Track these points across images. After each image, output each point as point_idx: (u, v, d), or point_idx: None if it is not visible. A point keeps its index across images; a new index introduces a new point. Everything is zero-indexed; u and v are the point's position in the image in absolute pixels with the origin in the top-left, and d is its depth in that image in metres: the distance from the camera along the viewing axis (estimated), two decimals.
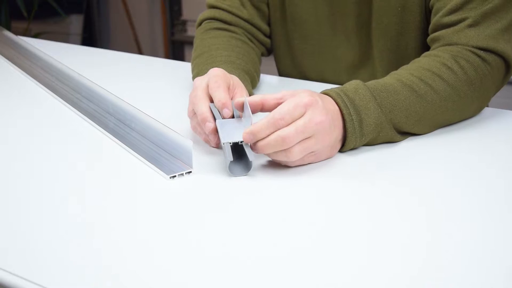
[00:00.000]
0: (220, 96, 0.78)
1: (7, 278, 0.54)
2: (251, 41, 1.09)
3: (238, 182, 0.72)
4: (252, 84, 0.97)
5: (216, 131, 0.77)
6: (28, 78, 1.16)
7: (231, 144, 0.73)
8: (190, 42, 3.17)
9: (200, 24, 1.11)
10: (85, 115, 0.94)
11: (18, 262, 0.56)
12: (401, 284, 0.52)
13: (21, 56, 1.30)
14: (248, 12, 1.08)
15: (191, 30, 3.16)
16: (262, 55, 1.13)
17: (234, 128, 0.76)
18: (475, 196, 0.68)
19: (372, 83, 0.80)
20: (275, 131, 0.71)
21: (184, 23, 3.19)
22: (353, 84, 0.79)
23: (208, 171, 0.75)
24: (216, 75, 0.82)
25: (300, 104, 0.71)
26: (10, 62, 1.27)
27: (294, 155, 0.72)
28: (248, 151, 0.72)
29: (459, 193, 0.68)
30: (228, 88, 0.82)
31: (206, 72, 0.89)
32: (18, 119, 0.96)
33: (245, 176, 0.73)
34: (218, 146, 0.79)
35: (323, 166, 0.76)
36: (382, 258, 0.56)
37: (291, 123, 0.71)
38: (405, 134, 0.82)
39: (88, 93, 0.99)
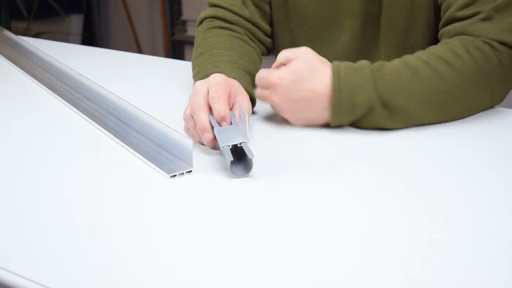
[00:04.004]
0: (220, 108, 0.79)
1: (9, 278, 0.54)
2: (252, 40, 1.09)
3: (238, 182, 0.72)
4: (253, 84, 0.97)
5: (214, 139, 0.78)
6: (28, 77, 1.16)
7: (230, 147, 0.74)
8: (190, 42, 3.16)
9: (201, 22, 1.11)
10: (85, 114, 0.94)
11: (19, 261, 0.56)
12: (398, 281, 0.52)
13: (21, 56, 1.30)
14: (250, 11, 1.08)
15: (191, 30, 3.16)
16: (262, 54, 1.13)
17: (232, 133, 0.76)
18: (473, 194, 0.68)
19: (379, 63, 0.85)
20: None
21: (184, 23, 3.19)
22: (361, 63, 0.85)
23: (208, 170, 0.75)
24: (217, 83, 0.82)
25: (288, 56, 0.85)
26: (10, 62, 1.27)
27: (275, 98, 0.86)
28: (247, 150, 0.72)
29: (456, 191, 0.68)
30: (229, 96, 0.82)
31: (206, 72, 0.89)
32: (18, 118, 0.96)
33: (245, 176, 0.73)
34: (215, 147, 0.80)
35: (323, 165, 0.76)
36: (384, 258, 0.56)
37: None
38: (404, 121, 0.84)
39: (88, 93, 0.99)
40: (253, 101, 0.90)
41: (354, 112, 0.83)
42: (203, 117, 0.78)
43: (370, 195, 0.68)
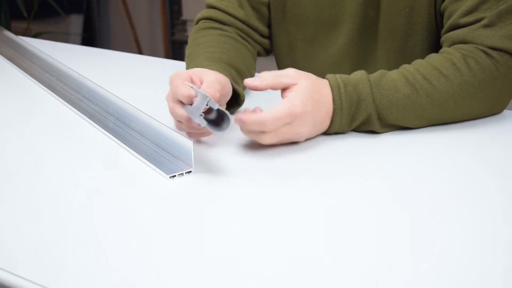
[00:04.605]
0: (180, 92, 0.78)
1: (13, 280, 0.54)
2: (244, 39, 1.09)
3: (238, 182, 0.72)
4: (241, 77, 0.96)
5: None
6: (28, 78, 1.16)
7: (202, 115, 0.74)
8: None
9: (197, 23, 1.12)
10: (85, 114, 0.94)
11: (21, 262, 0.56)
12: (395, 283, 0.52)
13: (21, 56, 1.30)
14: (245, 13, 1.08)
15: (191, 30, 3.17)
16: (260, 54, 1.13)
17: (199, 104, 0.75)
18: (472, 196, 0.68)
19: (377, 76, 0.84)
20: (263, 130, 0.76)
21: (184, 23, 3.19)
22: (358, 76, 0.83)
23: (208, 171, 0.75)
24: (172, 80, 0.81)
25: (292, 114, 0.77)
26: (10, 62, 1.27)
27: (266, 141, 0.78)
28: (212, 104, 0.73)
29: (454, 193, 0.68)
30: (191, 80, 0.81)
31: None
32: (17, 119, 0.96)
33: (244, 176, 0.73)
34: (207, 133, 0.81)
35: (324, 166, 0.76)
36: (382, 260, 0.56)
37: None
38: (394, 128, 0.85)
39: (88, 93, 0.99)
40: (236, 93, 0.90)
41: (352, 125, 0.84)
42: (180, 112, 0.78)
43: (369, 197, 0.68)
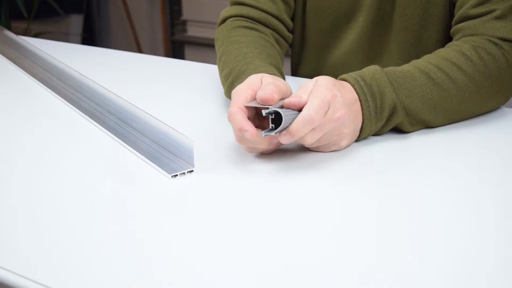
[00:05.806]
0: (263, 91, 0.72)
1: (15, 280, 0.54)
2: (278, 42, 1.05)
3: (240, 181, 0.72)
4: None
5: (255, 133, 0.72)
6: (28, 77, 1.16)
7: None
8: (190, 42, 3.17)
9: (223, 21, 1.05)
10: (86, 114, 0.93)
11: (23, 262, 0.56)
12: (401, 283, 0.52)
13: (22, 55, 1.29)
14: (277, 7, 1.04)
15: (191, 30, 3.16)
16: (286, 54, 1.10)
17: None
18: (470, 195, 0.68)
19: (390, 68, 0.82)
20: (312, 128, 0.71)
21: (184, 23, 3.19)
22: (371, 69, 0.81)
23: (210, 170, 0.75)
24: (244, 88, 0.75)
25: (325, 101, 0.72)
26: (10, 62, 1.26)
27: (313, 138, 0.73)
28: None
29: (445, 192, 0.68)
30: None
31: (240, 68, 0.86)
32: (18, 118, 0.96)
33: (247, 175, 0.73)
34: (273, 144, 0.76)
35: (327, 162, 0.76)
36: (389, 262, 0.56)
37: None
38: (418, 124, 0.82)
39: (89, 92, 0.99)
40: None
41: (382, 117, 0.79)
42: (237, 117, 0.72)
43: (377, 199, 0.68)
